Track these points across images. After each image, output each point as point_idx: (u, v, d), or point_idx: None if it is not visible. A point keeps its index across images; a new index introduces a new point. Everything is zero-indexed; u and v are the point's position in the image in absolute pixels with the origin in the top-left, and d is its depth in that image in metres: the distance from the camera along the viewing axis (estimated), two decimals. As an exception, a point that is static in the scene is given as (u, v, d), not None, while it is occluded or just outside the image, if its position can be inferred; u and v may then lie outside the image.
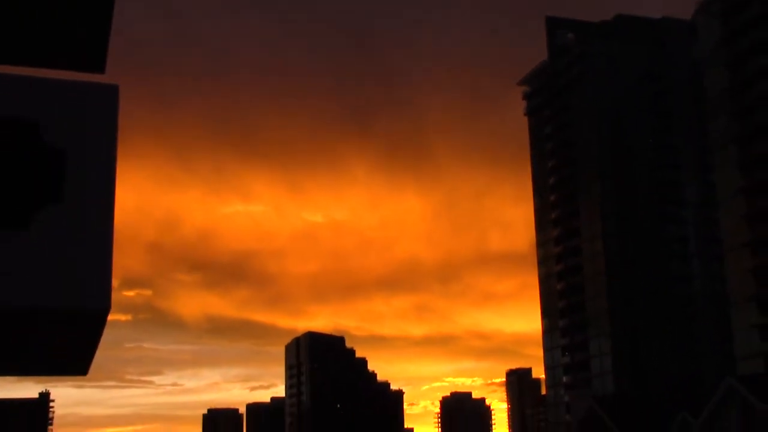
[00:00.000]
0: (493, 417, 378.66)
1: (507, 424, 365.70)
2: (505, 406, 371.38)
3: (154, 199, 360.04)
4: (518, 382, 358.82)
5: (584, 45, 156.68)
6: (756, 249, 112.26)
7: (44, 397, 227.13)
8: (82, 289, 4.91)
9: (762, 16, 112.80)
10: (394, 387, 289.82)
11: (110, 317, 5.16)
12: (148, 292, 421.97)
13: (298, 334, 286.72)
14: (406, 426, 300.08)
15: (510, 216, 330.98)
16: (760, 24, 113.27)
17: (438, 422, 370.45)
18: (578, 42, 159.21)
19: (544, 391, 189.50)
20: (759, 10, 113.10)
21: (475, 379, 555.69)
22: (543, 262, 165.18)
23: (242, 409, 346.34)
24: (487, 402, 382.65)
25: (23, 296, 4.80)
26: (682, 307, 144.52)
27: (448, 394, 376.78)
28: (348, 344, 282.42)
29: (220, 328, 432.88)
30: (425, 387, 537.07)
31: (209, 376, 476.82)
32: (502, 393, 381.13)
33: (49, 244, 4.90)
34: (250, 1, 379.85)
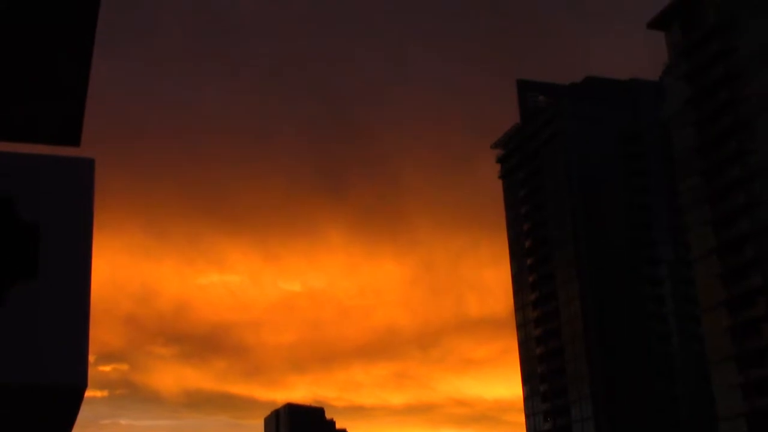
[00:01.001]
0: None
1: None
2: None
3: (129, 271, 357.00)
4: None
5: (555, 107, 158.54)
6: (732, 308, 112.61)
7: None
8: (57, 366, 4.79)
9: (727, 77, 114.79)
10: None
11: (86, 394, 5.03)
12: (124, 367, 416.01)
13: (278, 406, 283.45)
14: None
15: (488, 280, 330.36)
16: (726, 84, 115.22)
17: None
18: (549, 104, 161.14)
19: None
20: (723, 71, 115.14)
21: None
22: (522, 326, 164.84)
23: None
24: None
25: (-2, 376, 4.68)
26: (661, 366, 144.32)
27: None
28: (328, 415, 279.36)
29: (197, 402, 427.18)
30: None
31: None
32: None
33: (24, 320, 4.80)
34: (224, 69, 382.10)
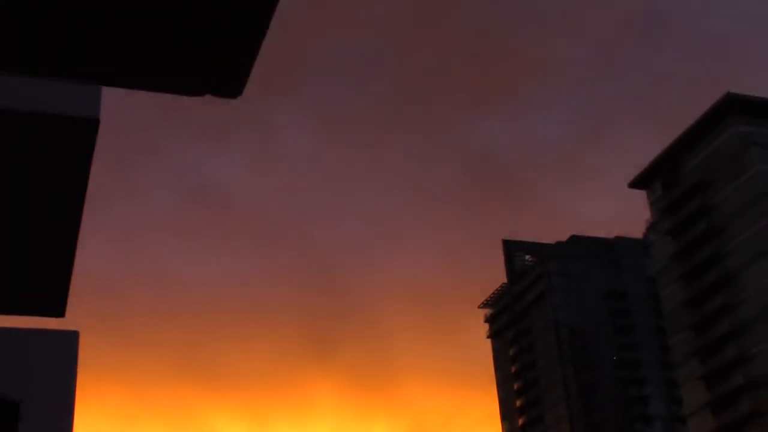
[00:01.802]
0: None
1: None
2: None
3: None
4: None
5: (542, 266, 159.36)
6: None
7: None
8: None
9: (709, 232, 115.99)
10: None
11: None
12: None
13: None
14: None
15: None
16: (709, 239, 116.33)
17: None
18: (536, 263, 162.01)
19: None
20: (706, 227, 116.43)
21: None
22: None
23: None
24: None
25: None
26: None
27: None
28: None
29: None
30: None
31: None
32: None
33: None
34: (210, 234, 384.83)
